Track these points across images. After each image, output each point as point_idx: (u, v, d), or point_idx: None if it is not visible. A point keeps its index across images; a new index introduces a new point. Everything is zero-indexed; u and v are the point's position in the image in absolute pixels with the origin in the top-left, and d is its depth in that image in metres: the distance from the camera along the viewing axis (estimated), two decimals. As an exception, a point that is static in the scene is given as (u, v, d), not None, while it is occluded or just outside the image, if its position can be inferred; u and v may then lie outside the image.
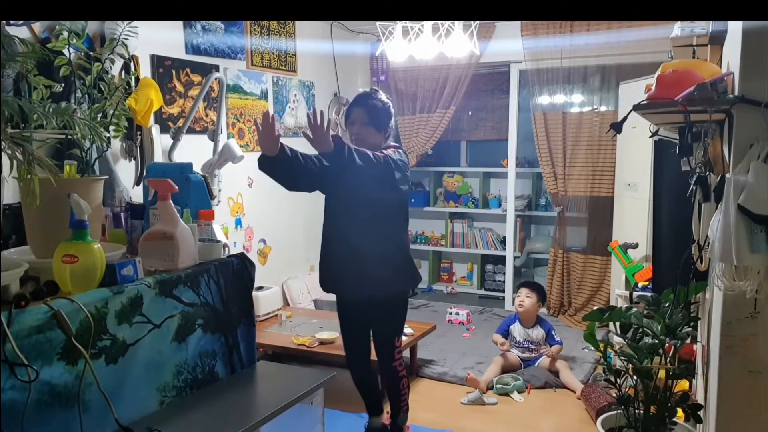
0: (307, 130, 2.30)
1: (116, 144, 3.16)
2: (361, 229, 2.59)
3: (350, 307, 2.79)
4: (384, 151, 2.54)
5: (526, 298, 3.91)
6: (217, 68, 3.90)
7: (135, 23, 2.36)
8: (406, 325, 3.88)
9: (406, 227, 2.78)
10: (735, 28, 1.85)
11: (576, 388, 3.55)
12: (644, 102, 1.91)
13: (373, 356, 2.85)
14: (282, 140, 2.37)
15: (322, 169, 2.49)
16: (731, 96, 1.69)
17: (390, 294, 2.69)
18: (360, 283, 2.64)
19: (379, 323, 2.77)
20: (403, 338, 3.07)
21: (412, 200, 6.10)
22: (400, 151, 2.63)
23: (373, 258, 2.60)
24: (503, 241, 5.71)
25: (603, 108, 4.87)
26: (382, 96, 2.70)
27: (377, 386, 2.97)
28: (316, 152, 2.39)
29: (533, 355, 3.88)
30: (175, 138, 3.49)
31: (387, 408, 2.96)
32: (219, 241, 2.12)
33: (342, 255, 2.63)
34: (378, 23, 4.23)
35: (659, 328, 2.15)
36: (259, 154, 2.38)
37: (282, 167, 2.40)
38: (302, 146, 2.49)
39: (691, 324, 2.22)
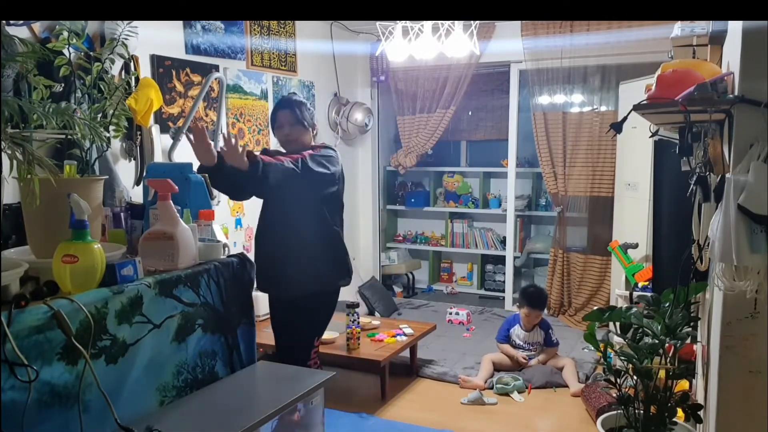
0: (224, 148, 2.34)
1: (116, 144, 3.16)
2: (290, 229, 2.62)
3: (281, 304, 2.80)
4: (302, 153, 2.55)
5: (536, 318, 3.92)
6: (217, 68, 3.90)
7: (135, 23, 2.36)
8: (405, 325, 3.91)
9: (339, 222, 2.76)
10: (735, 28, 1.85)
11: (572, 386, 3.56)
12: (644, 102, 1.91)
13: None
14: None
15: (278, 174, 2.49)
16: (731, 96, 1.69)
17: (317, 292, 2.68)
18: (288, 281, 2.65)
19: (302, 323, 2.75)
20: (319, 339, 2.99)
21: (412, 200, 6.10)
22: (325, 150, 2.64)
23: (302, 257, 2.62)
24: (503, 241, 5.71)
25: (603, 108, 4.87)
26: (301, 97, 2.77)
27: None
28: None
29: (533, 352, 3.92)
30: (175, 138, 3.49)
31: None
32: (219, 241, 2.12)
33: (273, 255, 2.66)
34: (378, 23, 4.22)
35: (659, 328, 2.15)
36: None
37: (223, 178, 2.36)
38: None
39: (691, 324, 2.22)
